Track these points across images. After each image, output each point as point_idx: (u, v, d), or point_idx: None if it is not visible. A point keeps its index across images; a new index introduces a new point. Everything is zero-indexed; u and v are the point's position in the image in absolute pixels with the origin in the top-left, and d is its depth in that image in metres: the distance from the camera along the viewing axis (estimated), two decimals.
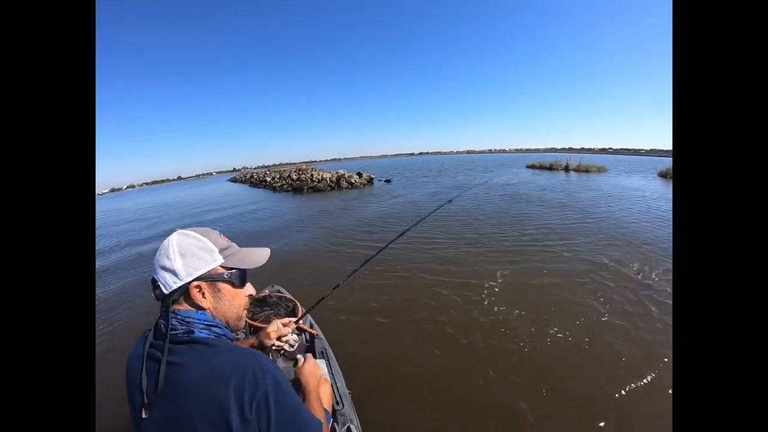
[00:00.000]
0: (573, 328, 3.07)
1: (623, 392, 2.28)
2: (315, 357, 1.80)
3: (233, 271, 0.84)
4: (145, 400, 0.70)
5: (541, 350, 2.80)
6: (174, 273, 0.77)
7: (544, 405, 2.23)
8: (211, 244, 0.82)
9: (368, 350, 2.90)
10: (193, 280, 0.78)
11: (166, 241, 0.81)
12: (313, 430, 0.76)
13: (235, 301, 0.86)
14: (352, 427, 1.43)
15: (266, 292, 2.33)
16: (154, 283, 0.79)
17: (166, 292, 0.77)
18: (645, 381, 2.36)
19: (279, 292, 2.37)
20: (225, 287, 0.84)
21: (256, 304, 2.13)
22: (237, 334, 1.25)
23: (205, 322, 0.79)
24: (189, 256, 0.79)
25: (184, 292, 0.79)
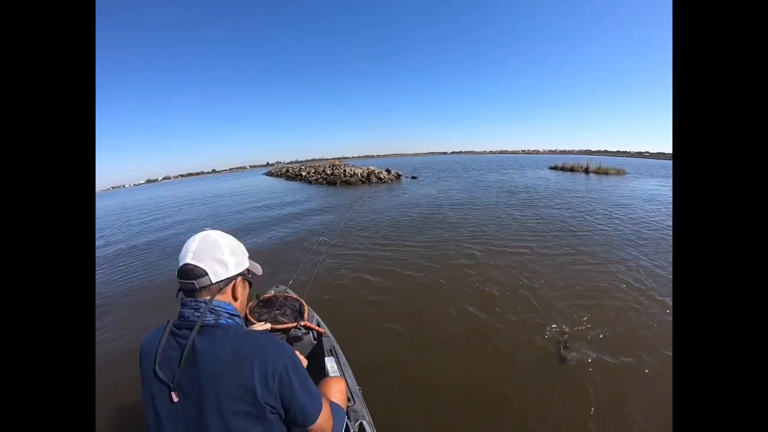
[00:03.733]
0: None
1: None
2: (324, 354, 1.85)
3: (251, 273, 1.00)
4: (170, 382, 0.78)
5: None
6: (225, 265, 0.87)
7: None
8: (245, 249, 0.98)
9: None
10: (237, 275, 0.91)
11: (208, 237, 0.90)
12: (318, 395, 0.90)
13: (246, 298, 1.00)
14: (364, 423, 1.45)
15: (272, 292, 2.33)
16: (195, 274, 0.84)
17: (213, 280, 0.85)
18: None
19: (285, 292, 2.41)
20: (246, 285, 0.98)
21: (263, 305, 2.10)
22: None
23: (230, 312, 0.88)
24: (239, 254, 0.93)
25: (228, 282, 0.89)
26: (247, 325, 1.78)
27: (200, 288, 0.85)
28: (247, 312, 1.13)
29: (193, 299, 0.85)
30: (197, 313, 0.83)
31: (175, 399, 0.77)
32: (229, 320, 0.86)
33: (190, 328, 0.81)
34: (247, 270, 0.98)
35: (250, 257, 1.03)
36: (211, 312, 0.84)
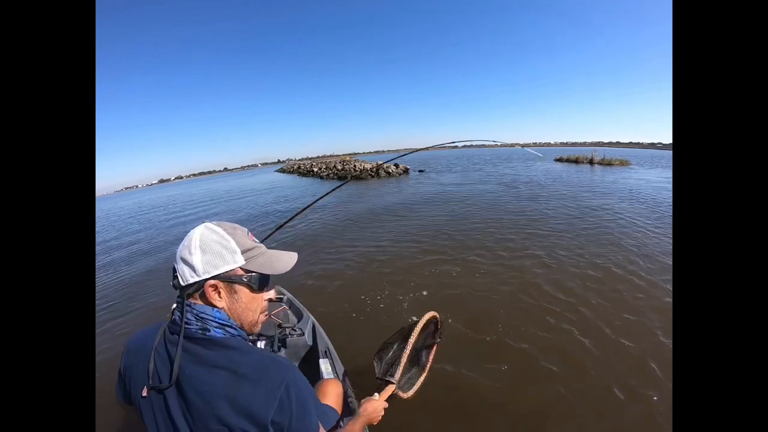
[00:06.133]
0: None
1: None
2: (318, 356, 1.80)
3: (253, 274, 0.81)
4: (150, 383, 0.73)
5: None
6: (192, 268, 0.75)
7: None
8: (233, 244, 0.79)
9: None
10: (210, 278, 0.75)
11: (191, 233, 0.79)
12: (315, 423, 0.77)
13: (251, 305, 0.82)
14: None
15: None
16: (174, 273, 0.78)
17: (182, 284, 0.76)
18: None
19: (280, 294, 2.33)
20: (242, 290, 0.80)
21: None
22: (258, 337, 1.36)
23: (220, 321, 0.77)
24: (209, 252, 0.76)
25: (200, 288, 0.76)
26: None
27: (181, 290, 0.78)
28: (261, 320, 0.90)
29: (180, 300, 0.78)
30: (179, 315, 0.77)
31: (144, 393, 0.74)
32: (219, 331, 0.77)
33: (179, 332, 0.75)
34: (243, 270, 0.80)
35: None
36: (198, 319, 0.76)
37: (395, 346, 1.76)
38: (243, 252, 0.80)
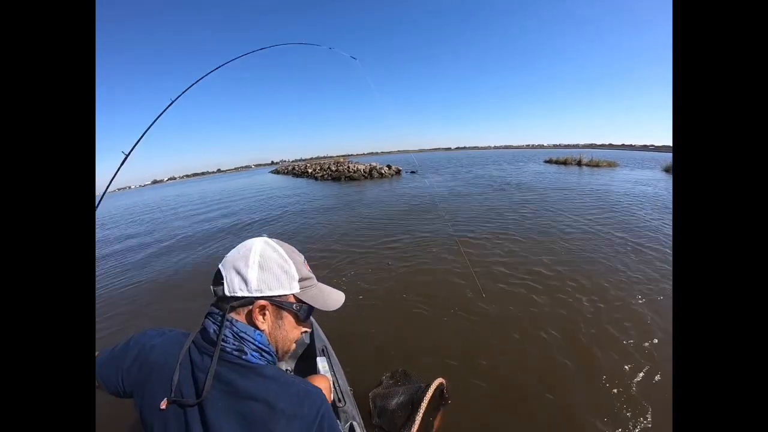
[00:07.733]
0: None
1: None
2: (315, 354, 1.81)
3: (303, 305, 0.78)
4: (172, 395, 0.67)
5: None
6: (245, 281, 0.71)
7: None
8: (294, 270, 0.76)
9: None
10: (261, 297, 0.72)
11: (249, 243, 0.76)
12: None
13: (291, 334, 0.79)
14: (354, 424, 1.42)
15: None
16: (218, 278, 0.74)
17: (227, 294, 0.72)
18: None
19: None
20: (288, 317, 0.76)
21: None
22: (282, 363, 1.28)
23: (259, 345, 0.72)
24: (268, 271, 0.73)
25: (247, 304, 0.72)
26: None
27: (221, 298, 0.73)
28: (293, 348, 0.84)
29: (218, 310, 0.73)
30: (216, 329, 0.72)
31: (163, 406, 0.68)
32: (256, 354, 0.72)
33: (213, 347, 0.70)
34: (294, 298, 0.76)
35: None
36: (236, 338, 0.71)
37: (399, 401, 1.90)
38: (300, 280, 0.77)
